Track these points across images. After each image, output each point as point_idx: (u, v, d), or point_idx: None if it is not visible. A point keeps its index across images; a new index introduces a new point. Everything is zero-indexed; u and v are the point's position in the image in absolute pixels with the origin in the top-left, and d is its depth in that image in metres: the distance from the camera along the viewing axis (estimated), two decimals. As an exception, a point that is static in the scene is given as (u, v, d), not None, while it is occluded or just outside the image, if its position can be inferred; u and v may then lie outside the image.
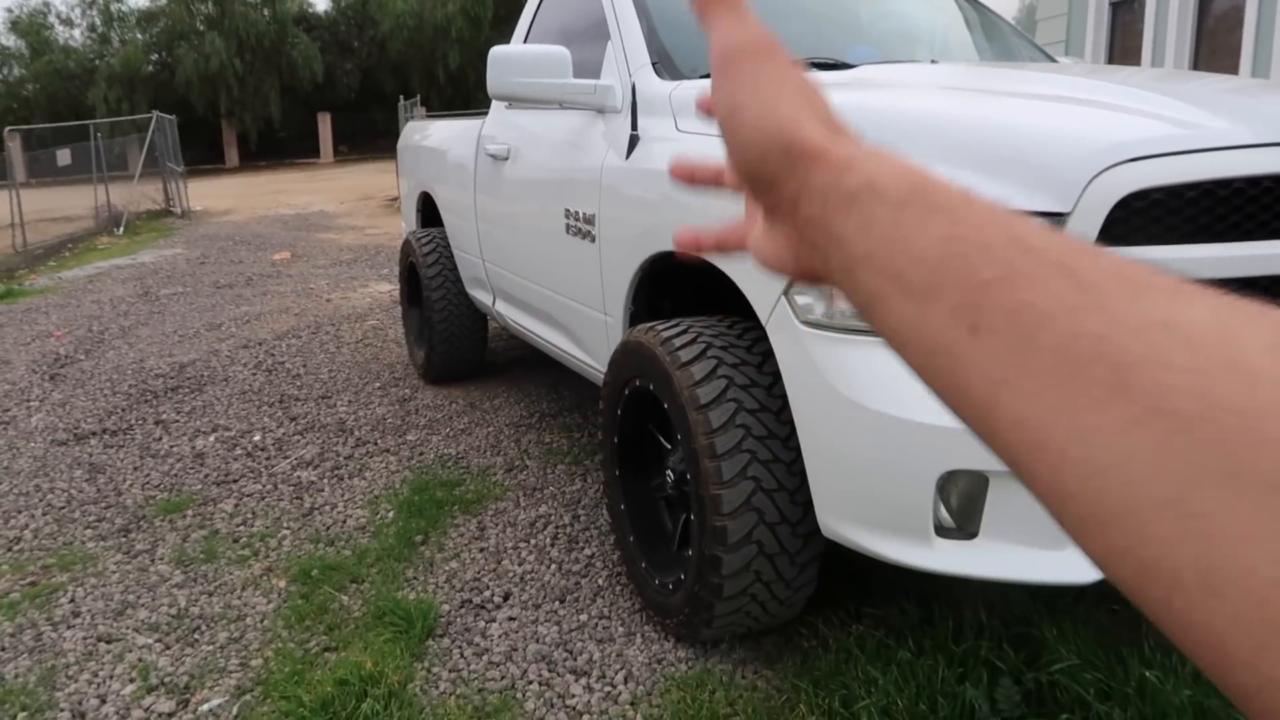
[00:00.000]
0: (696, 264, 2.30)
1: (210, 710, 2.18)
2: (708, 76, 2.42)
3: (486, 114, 4.00)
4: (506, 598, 2.60)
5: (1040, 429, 0.30)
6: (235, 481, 3.56)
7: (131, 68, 29.41)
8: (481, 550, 2.89)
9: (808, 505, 2.01)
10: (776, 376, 2.07)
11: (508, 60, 2.93)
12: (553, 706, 2.12)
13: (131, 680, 2.31)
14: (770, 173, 0.43)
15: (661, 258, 2.47)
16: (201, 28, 29.53)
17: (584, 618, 2.47)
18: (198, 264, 9.51)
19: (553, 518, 3.08)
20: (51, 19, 32.41)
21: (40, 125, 19.89)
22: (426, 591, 2.65)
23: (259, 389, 4.78)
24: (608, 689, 2.17)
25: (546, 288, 3.30)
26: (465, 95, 28.65)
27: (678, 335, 2.23)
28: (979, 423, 0.33)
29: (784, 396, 2.04)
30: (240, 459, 3.79)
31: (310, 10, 32.72)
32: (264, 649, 2.41)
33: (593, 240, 2.81)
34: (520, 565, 2.78)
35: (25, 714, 2.19)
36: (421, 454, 3.74)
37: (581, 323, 3.04)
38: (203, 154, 27.87)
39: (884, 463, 1.81)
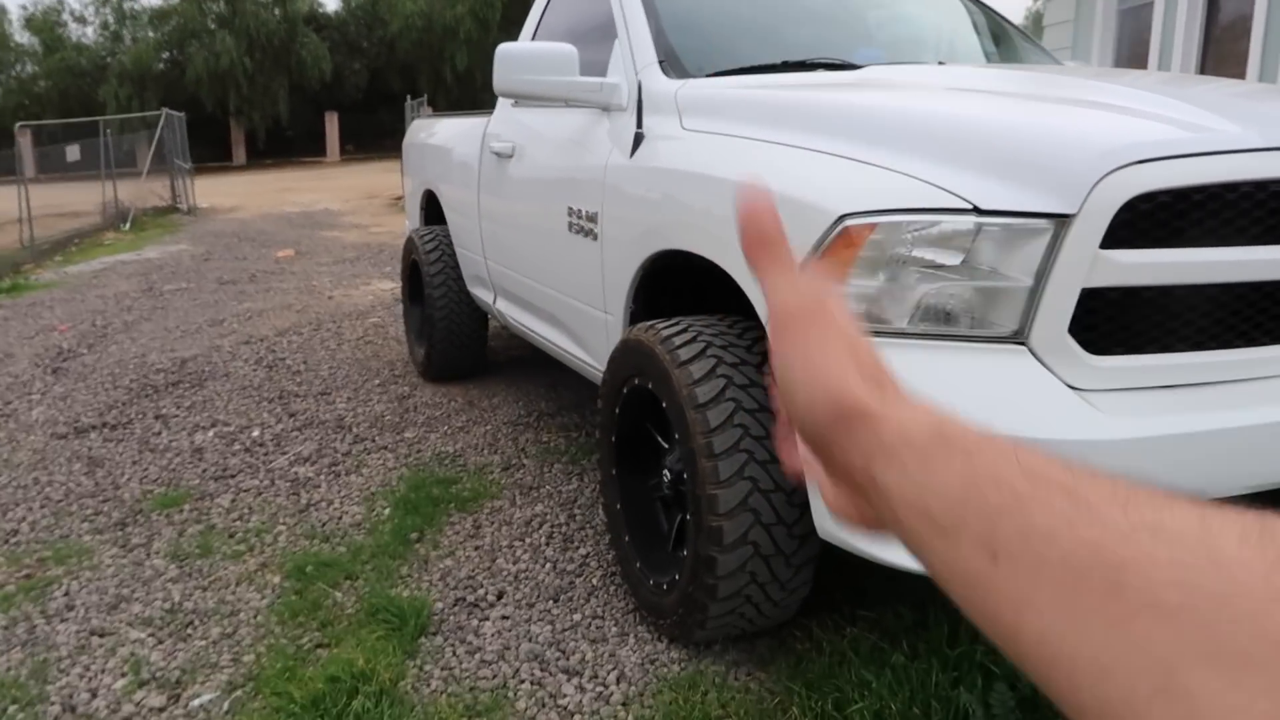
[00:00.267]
0: (698, 262, 2.28)
1: (201, 705, 2.17)
2: (714, 75, 2.42)
3: (492, 112, 3.99)
4: (500, 596, 2.58)
5: (1056, 641, 0.33)
6: (233, 477, 3.55)
7: (143, 65, 29.52)
8: (476, 548, 2.87)
9: (804, 506, 1.99)
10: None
11: (514, 57, 2.92)
12: (544, 706, 2.11)
13: (123, 674, 2.29)
14: (823, 433, 0.47)
15: (663, 256, 2.46)
16: (213, 26, 29.63)
17: (577, 617, 2.45)
18: (202, 260, 9.52)
19: (548, 517, 3.07)
20: (65, 16, 32.59)
21: (50, 121, 19.96)
22: (420, 589, 2.63)
23: (259, 385, 4.77)
24: (600, 689, 2.15)
25: (547, 286, 3.29)
26: (472, 96, 28.69)
27: (677, 334, 2.21)
28: (1011, 647, 0.36)
29: (783, 397, 2.02)
30: (238, 454, 3.78)
31: (320, 10, 32.83)
32: (256, 644, 2.40)
33: (595, 238, 2.79)
34: (515, 564, 2.76)
35: (16, 707, 2.18)
36: (419, 451, 3.73)
37: (582, 321, 3.02)
38: (211, 151, 27.94)
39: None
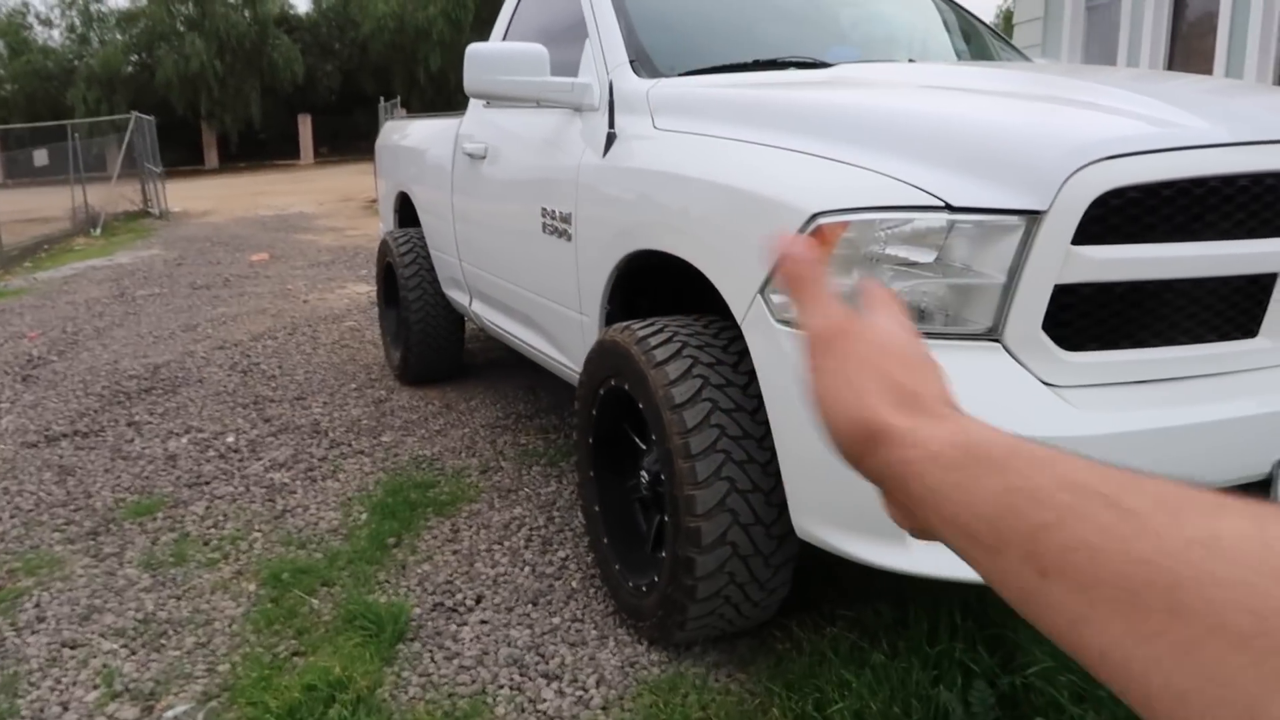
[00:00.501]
0: (673, 262, 2.27)
1: (175, 716, 2.14)
2: (686, 74, 2.41)
3: (464, 113, 3.96)
4: (479, 601, 2.56)
5: (1122, 661, 0.32)
6: (207, 484, 3.50)
7: (111, 68, 29.16)
8: (454, 552, 2.85)
9: (782, 506, 1.99)
10: (752, 376, 2.05)
11: (485, 58, 2.90)
12: (523, 711, 2.09)
13: (95, 686, 2.26)
14: (856, 452, 0.49)
15: (638, 256, 2.45)
16: (182, 29, 29.29)
17: (557, 621, 2.44)
18: (175, 265, 9.41)
19: (527, 520, 3.05)
20: (30, 19, 32.11)
21: (17, 125, 19.68)
22: (398, 594, 2.61)
23: (233, 390, 4.72)
24: (579, 693, 2.14)
25: (523, 287, 3.27)
26: (447, 97, 28.56)
27: (653, 334, 2.20)
28: (1077, 658, 0.35)
29: (759, 396, 2.02)
30: (213, 461, 3.74)
31: (291, 12, 32.53)
32: (231, 654, 2.37)
33: (569, 239, 2.78)
34: (493, 568, 2.74)
35: (-16, 721, 2.14)
36: (396, 455, 3.70)
37: (557, 322, 3.01)
38: (182, 155, 27.63)
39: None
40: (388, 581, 2.69)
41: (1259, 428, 1.79)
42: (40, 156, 15.80)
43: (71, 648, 2.43)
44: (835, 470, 1.94)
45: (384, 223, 5.34)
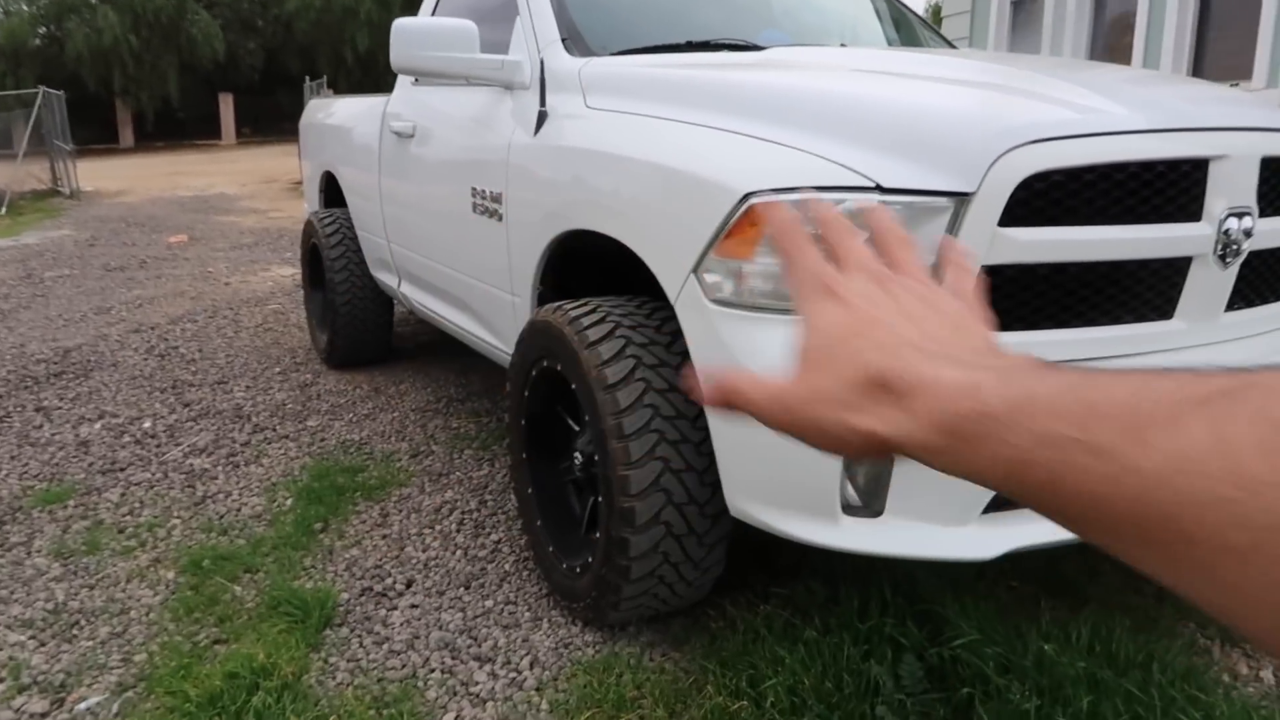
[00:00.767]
0: (606, 242, 2.25)
1: (88, 709, 2.06)
2: (618, 54, 2.38)
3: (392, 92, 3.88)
4: (409, 585, 2.52)
5: (1177, 587, 0.33)
6: (122, 470, 3.38)
7: (17, 40, 27.82)
8: (384, 537, 2.80)
9: (716, 485, 1.99)
10: (685, 356, 2.04)
11: (412, 32, 2.83)
12: (455, 694, 2.06)
13: (0, 680, 2.16)
14: (850, 400, 0.47)
15: (570, 237, 2.42)
16: (94, 1, 28.11)
17: (489, 604, 2.41)
18: (86, 246, 9.04)
19: (459, 503, 3.01)
20: (-72, -14, 30.44)
21: (-87, 98, 18.68)
22: (325, 580, 2.55)
23: (150, 375, 4.55)
24: (513, 675, 2.12)
25: (453, 269, 3.22)
26: (375, 79, 27.95)
27: (586, 314, 2.19)
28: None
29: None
30: (128, 447, 3.60)
31: (211, -14, 31.43)
32: (149, 643, 2.29)
33: (500, 219, 2.74)
34: (424, 552, 2.70)
35: (-121, 719, 2.03)
36: (323, 440, 3.61)
37: (488, 304, 2.96)
38: (95, 133, 26.54)
39: (792, 442, 1.80)
40: (314, 567, 2.63)
41: (1173, 405, 1.85)
42: (-61, 132, 15.02)
43: (-24, 641, 2.32)
44: (769, 449, 1.96)
45: (309, 203, 5.21)
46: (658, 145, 2.15)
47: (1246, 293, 2.06)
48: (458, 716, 1.99)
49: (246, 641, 2.25)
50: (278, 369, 4.60)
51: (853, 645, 2.03)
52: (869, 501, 1.83)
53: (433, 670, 2.15)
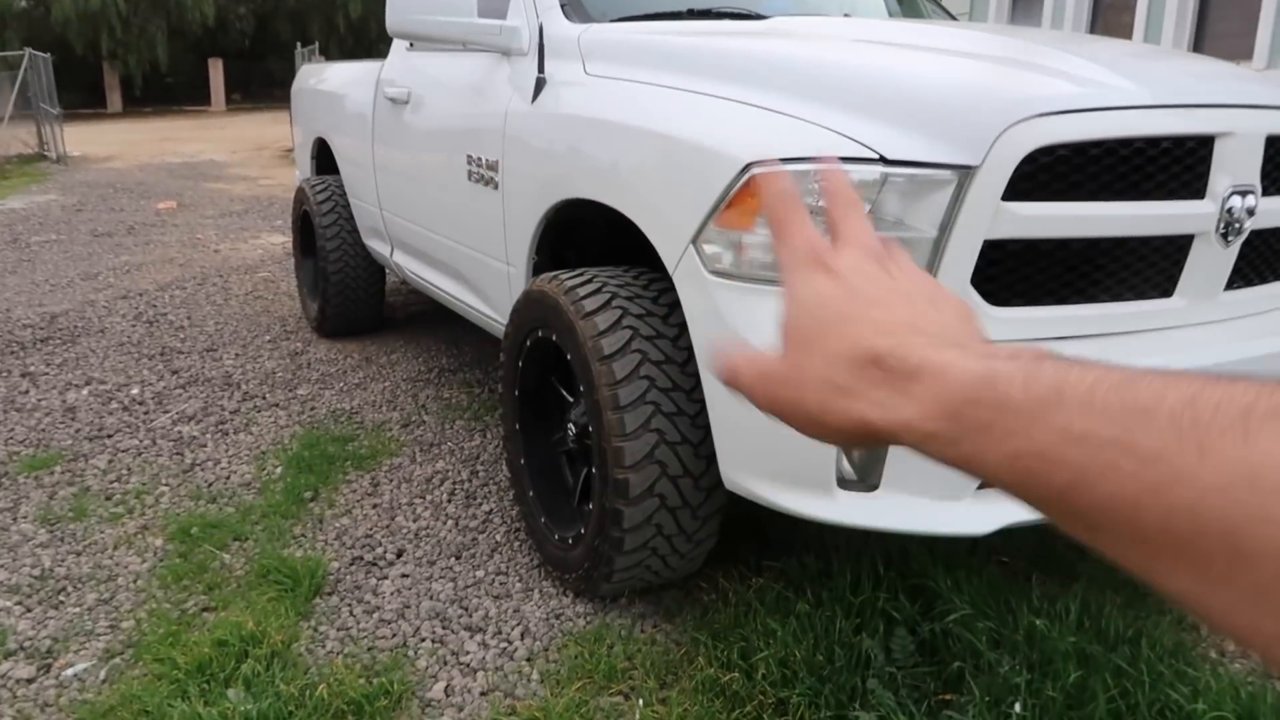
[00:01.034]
0: (603, 211, 2.23)
1: (75, 675, 2.04)
2: (618, 20, 2.34)
3: (386, 57, 3.82)
4: (400, 554, 2.51)
5: (1202, 604, 0.30)
6: (110, 436, 3.35)
7: (2, 2, 27.38)
8: (375, 506, 2.78)
9: (710, 458, 1.98)
10: (682, 328, 2.03)
11: (409, -5, 2.78)
12: (446, 664, 2.06)
13: (-13, 645, 2.14)
14: (851, 384, 0.44)
15: (567, 206, 2.39)
16: (81, -38, 27.61)
17: (480, 574, 2.40)
18: (74, 211, 8.94)
19: (450, 473, 2.99)
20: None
21: (-103, 58, 18.38)
22: (315, 549, 2.54)
23: (138, 341, 4.51)
24: (503, 645, 2.12)
25: (447, 237, 3.18)
26: (367, 46, 27.62)
27: (582, 284, 2.16)
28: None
29: (690, 349, 2.00)
30: (116, 413, 3.57)
31: (201, -51, 30.93)
32: (136, 610, 2.27)
33: (496, 187, 2.70)
34: (415, 521, 2.69)
35: None
36: (313, 409, 3.59)
37: (483, 273, 2.93)
38: (83, 98, 26.18)
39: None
40: (304, 536, 2.61)
41: (1172, 384, 1.84)
42: (-76, 93, 14.80)
43: (-39, 605, 2.30)
44: (764, 422, 1.95)
45: (300, 170, 5.15)
46: (658, 114, 2.11)
47: (1246, 271, 2.05)
48: (448, 686, 1.99)
49: (235, 609, 2.24)
50: (267, 337, 4.56)
51: (844, 618, 2.03)
52: (865, 476, 1.82)
53: (423, 640, 2.14)
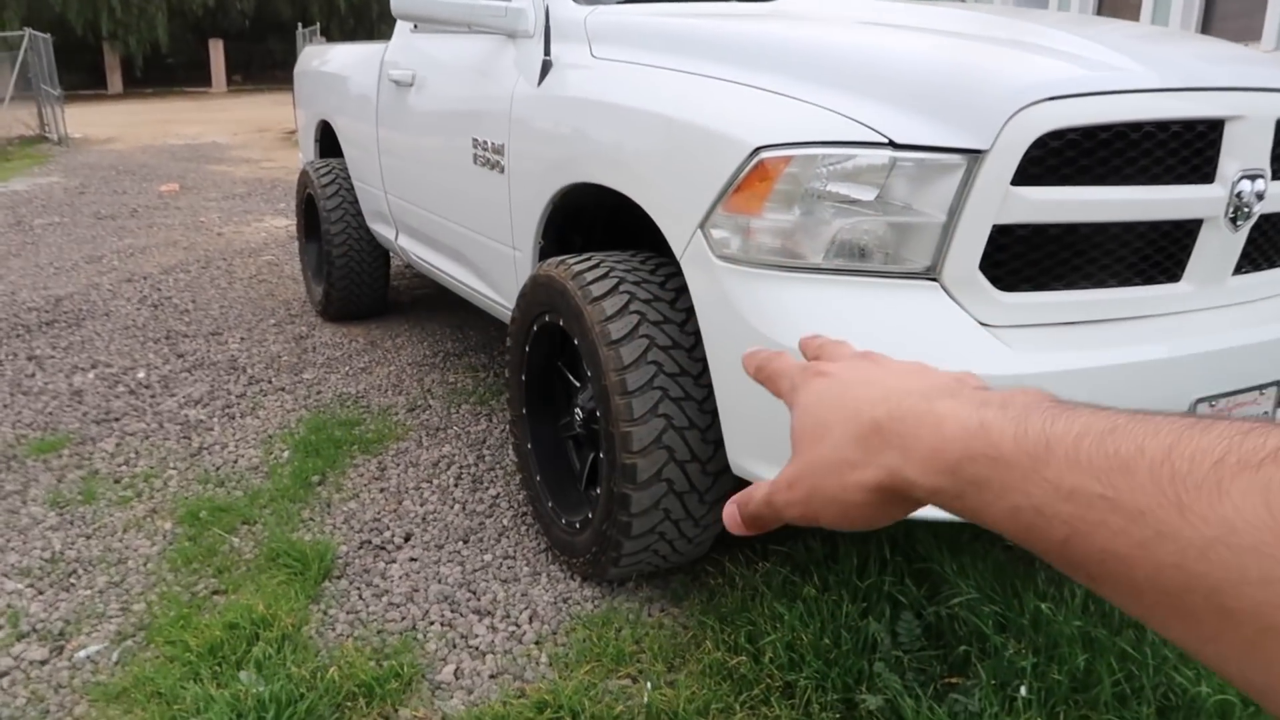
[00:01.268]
0: (610, 195, 2.22)
1: (88, 656, 2.06)
2: (625, 1, 2.32)
3: (390, 39, 3.80)
4: (408, 538, 2.52)
5: (1196, 653, 0.31)
6: (117, 420, 3.36)
7: (1, -19, 27.20)
8: (382, 490, 2.79)
9: (718, 443, 1.98)
10: (690, 313, 2.02)
11: (413, -24, 2.76)
12: (455, 647, 2.07)
13: (-1, 627, 2.16)
14: (861, 456, 0.45)
15: (574, 190, 2.39)
16: (80, -59, 27.42)
17: (488, 558, 2.41)
18: (76, 194, 8.93)
19: (456, 458, 3.00)
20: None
21: (-103, 39, 18.29)
22: (323, 533, 2.55)
23: (143, 324, 4.52)
24: (512, 629, 2.13)
25: (452, 221, 3.18)
26: (368, 27, 27.48)
27: (589, 269, 2.16)
28: None
29: (697, 333, 2.00)
30: (122, 396, 3.58)
31: (200, -72, 30.69)
32: (147, 593, 2.29)
33: (502, 171, 2.70)
34: (422, 505, 2.70)
35: (-122, 664, 2.03)
36: (319, 393, 3.59)
37: (488, 257, 2.93)
38: (83, 79, 26.08)
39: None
40: (312, 519, 2.62)
41: (1180, 369, 1.85)
42: (-76, 74, 14.73)
43: (-27, 588, 2.32)
44: (772, 406, 1.95)
45: (304, 153, 5.13)
46: (665, 97, 2.11)
47: (1255, 256, 2.05)
48: (458, 669, 2.00)
49: (245, 593, 2.25)
50: (272, 321, 4.57)
51: (851, 603, 2.04)
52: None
53: (432, 623, 2.15)
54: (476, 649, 2.06)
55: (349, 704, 1.87)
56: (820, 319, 1.77)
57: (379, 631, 2.12)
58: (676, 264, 2.02)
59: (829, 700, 1.82)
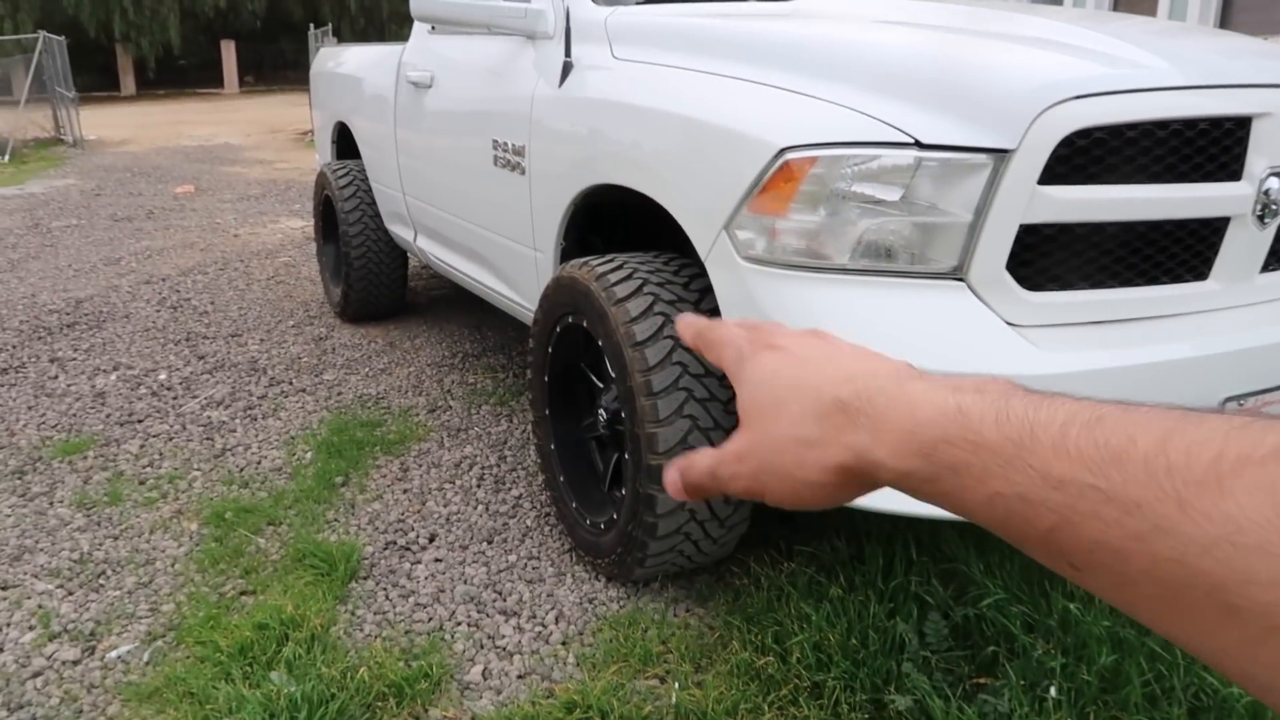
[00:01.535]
0: (632, 197, 2.23)
1: (119, 657, 2.08)
2: (645, 2, 2.32)
3: (406, 40, 3.81)
4: (432, 539, 2.53)
5: (1192, 648, 0.30)
6: (140, 422, 3.38)
7: (14, -15, 27.36)
8: (405, 491, 2.81)
9: (744, 443, 1.98)
10: (714, 314, 2.03)
11: (433, -22, 2.77)
12: (482, 647, 2.08)
13: (31, 628, 2.18)
14: (825, 434, 0.44)
15: (596, 191, 2.39)
16: (92, -56, 27.55)
17: (513, 558, 2.43)
18: (93, 196, 8.98)
19: (478, 458, 3.01)
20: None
21: (-87, 43, 18.42)
22: (348, 533, 2.56)
23: (163, 326, 4.54)
24: (539, 629, 2.14)
25: (472, 223, 3.19)
26: (379, 26, 27.54)
27: (613, 270, 2.17)
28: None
29: (722, 334, 2.00)
30: (145, 398, 3.60)
31: (212, -70, 30.80)
32: (176, 593, 2.31)
33: (522, 173, 2.70)
34: (446, 506, 2.71)
35: (-87, 665, 2.05)
36: (340, 394, 3.61)
37: (509, 259, 2.94)
38: (96, 80, 26.22)
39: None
40: (337, 520, 2.64)
41: (1208, 368, 1.84)
42: (-60, 78, 14.84)
43: (3, 589, 2.34)
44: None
45: (321, 154, 5.15)
46: (688, 97, 2.11)
47: (1283, 254, 2.03)
48: (485, 669, 2.01)
49: (273, 593, 2.27)
50: (291, 322, 4.59)
51: (877, 603, 2.04)
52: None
53: (459, 623, 2.17)
54: (504, 649, 2.07)
55: (379, 704, 1.88)
56: (846, 320, 1.77)
57: (406, 632, 2.13)
58: (700, 265, 2.02)
59: (858, 700, 1.82)
